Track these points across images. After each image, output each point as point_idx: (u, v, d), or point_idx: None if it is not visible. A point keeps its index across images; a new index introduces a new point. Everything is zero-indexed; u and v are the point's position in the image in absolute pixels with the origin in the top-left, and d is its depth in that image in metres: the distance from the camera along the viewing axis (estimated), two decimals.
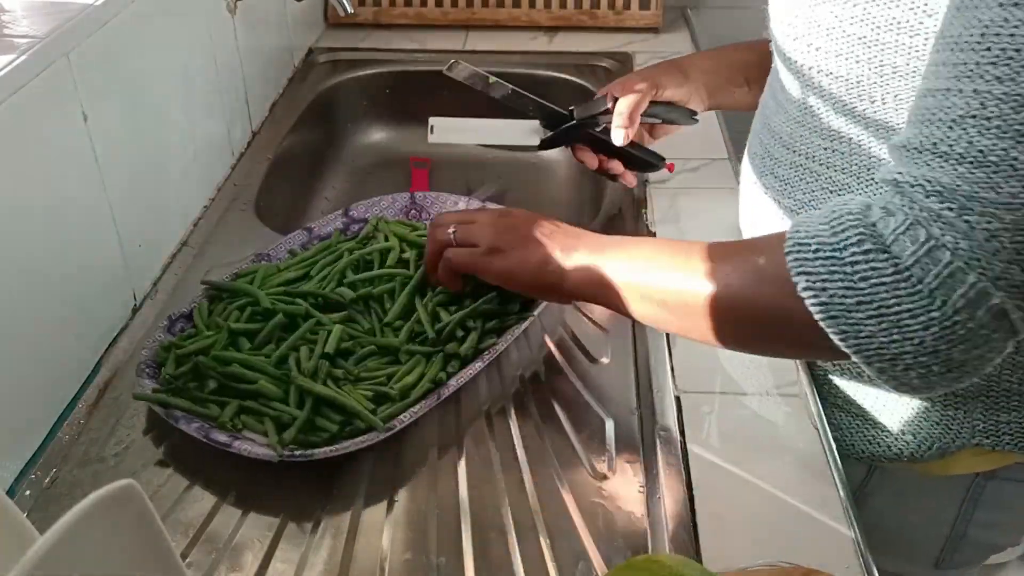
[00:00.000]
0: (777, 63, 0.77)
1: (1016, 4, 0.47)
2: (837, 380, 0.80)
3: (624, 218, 1.04)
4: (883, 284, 0.51)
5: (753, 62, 0.93)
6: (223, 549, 0.66)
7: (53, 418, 0.77)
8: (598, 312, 0.88)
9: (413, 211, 1.01)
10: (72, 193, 0.78)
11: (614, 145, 0.91)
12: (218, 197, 1.09)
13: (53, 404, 0.77)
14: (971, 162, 0.49)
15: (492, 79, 0.93)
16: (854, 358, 0.54)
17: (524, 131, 0.96)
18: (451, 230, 0.79)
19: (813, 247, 0.54)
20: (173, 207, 1.00)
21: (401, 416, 0.72)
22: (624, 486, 0.71)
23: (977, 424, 0.74)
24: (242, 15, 1.15)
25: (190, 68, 1.02)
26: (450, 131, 0.98)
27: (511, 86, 0.93)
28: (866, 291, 0.51)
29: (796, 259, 0.54)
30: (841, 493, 0.69)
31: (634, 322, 0.87)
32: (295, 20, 1.40)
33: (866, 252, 0.52)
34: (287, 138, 1.24)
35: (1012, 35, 0.47)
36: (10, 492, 0.70)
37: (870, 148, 0.68)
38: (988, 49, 0.48)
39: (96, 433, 0.76)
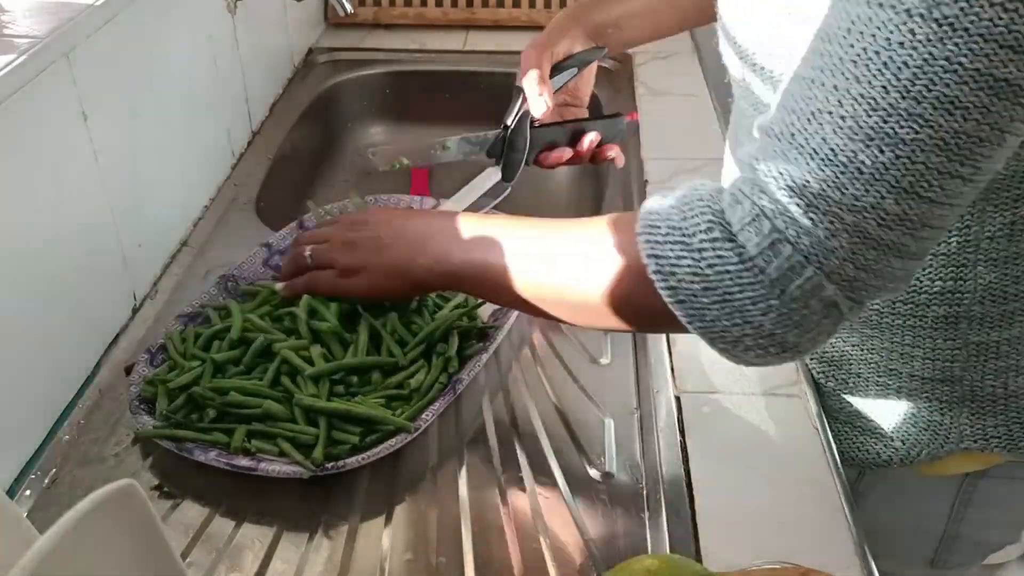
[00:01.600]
0: (742, 103, 0.75)
1: (881, 4, 0.46)
2: (825, 387, 0.80)
3: None
4: (728, 272, 0.52)
5: None
6: (223, 549, 0.66)
7: (53, 418, 0.77)
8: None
9: None
10: (72, 193, 0.78)
11: (569, 130, 0.91)
12: (218, 197, 1.09)
13: (53, 404, 0.77)
14: (822, 159, 0.49)
15: (438, 146, 0.92)
16: (699, 337, 0.56)
17: (486, 179, 0.93)
18: (307, 252, 0.78)
19: (663, 230, 0.55)
20: (173, 207, 1.00)
21: (424, 415, 0.72)
22: (624, 486, 0.71)
23: (964, 429, 0.74)
24: (242, 15, 1.15)
25: (190, 68, 1.02)
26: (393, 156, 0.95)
27: (447, 143, 0.92)
28: (712, 278, 0.53)
29: (647, 241, 0.55)
30: (840, 493, 0.69)
31: None
32: (295, 20, 1.40)
33: (714, 240, 0.53)
34: (287, 138, 1.24)
35: (874, 35, 0.46)
36: (10, 492, 0.70)
37: None
38: (852, 46, 0.48)
39: (96, 433, 0.76)
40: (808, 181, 0.50)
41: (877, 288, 0.52)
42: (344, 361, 0.75)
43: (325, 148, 1.38)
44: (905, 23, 0.45)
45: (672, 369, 0.80)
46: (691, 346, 0.83)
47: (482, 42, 1.49)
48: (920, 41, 0.45)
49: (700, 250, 0.53)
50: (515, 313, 0.83)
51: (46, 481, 0.72)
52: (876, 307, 0.71)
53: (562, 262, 0.63)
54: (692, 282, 0.53)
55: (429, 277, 0.72)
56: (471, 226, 0.70)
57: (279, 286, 0.80)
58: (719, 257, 0.52)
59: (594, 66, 0.93)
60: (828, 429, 0.74)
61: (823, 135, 0.49)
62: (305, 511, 0.69)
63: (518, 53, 0.89)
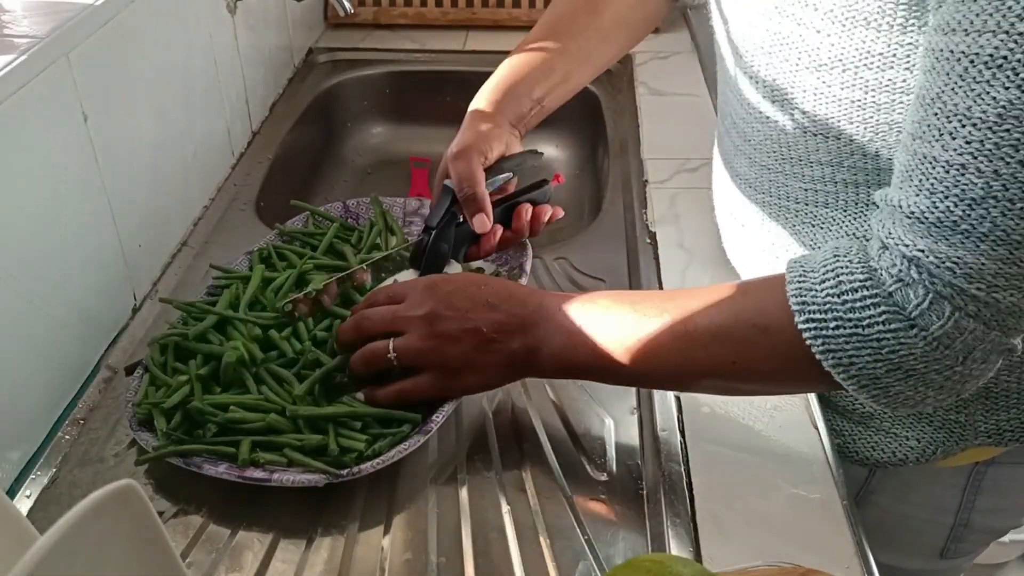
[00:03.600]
0: (739, 113, 0.75)
1: None
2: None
3: (624, 219, 1.04)
4: (913, 355, 0.54)
5: (553, 55, 0.88)
6: (223, 549, 0.66)
7: (53, 418, 0.77)
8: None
9: (350, 218, 0.99)
10: (72, 193, 0.78)
11: (499, 211, 0.85)
12: (218, 197, 1.09)
13: (53, 404, 0.77)
14: (994, 241, 0.51)
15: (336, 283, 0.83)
16: (883, 410, 0.59)
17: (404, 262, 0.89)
18: (391, 354, 0.69)
19: (832, 325, 0.56)
20: (173, 207, 1.00)
21: (435, 416, 0.71)
22: (624, 486, 0.71)
23: (979, 425, 0.74)
24: (242, 15, 1.15)
25: (190, 68, 1.02)
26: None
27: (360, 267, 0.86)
28: (895, 361, 0.55)
29: (816, 337, 0.56)
30: (841, 493, 0.69)
31: None
32: (295, 20, 1.40)
33: (895, 331, 0.54)
34: (287, 138, 1.24)
35: None
36: (10, 492, 0.70)
37: (858, 188, 0.68)
38: (1008, 131, 0.48)
39: (96, 433, 0.76)
40: (984, 264, 0.51)
41: None
42: (334, 363, 0.75)
43: (325, 148, 1.38)
44: None
45: None
46: None
47: (482, 42, 1.49)
48: None
49: (879, 340, 0.55)
50: None
51: (46, 481, 0.72)
52: None
53: (716, 350, 0.61)
54: (874, 368, 0.55)
55: (550, 371, 0.68)
56: (586, 308, 0.66)
57: (360, 395, 0.73)
58: (902, 344, 0.54)
59: (517, 146, 0.88)
60: (829, 433, 0.74)
61: (992, 220, 0.50)
62: (305, 511, 0.69)
63: None
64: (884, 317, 0.54)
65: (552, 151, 1.38)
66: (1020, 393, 0.73)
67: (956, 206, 0.51)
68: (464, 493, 0.71)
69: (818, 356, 0.56)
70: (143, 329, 0.87)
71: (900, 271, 0.54)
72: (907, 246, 0.54)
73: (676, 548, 0.65)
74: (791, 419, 0.75)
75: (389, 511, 0.70)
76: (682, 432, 0.74)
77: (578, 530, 0.67)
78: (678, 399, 0.77)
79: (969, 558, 0.90)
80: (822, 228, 0.72)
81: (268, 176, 1.14)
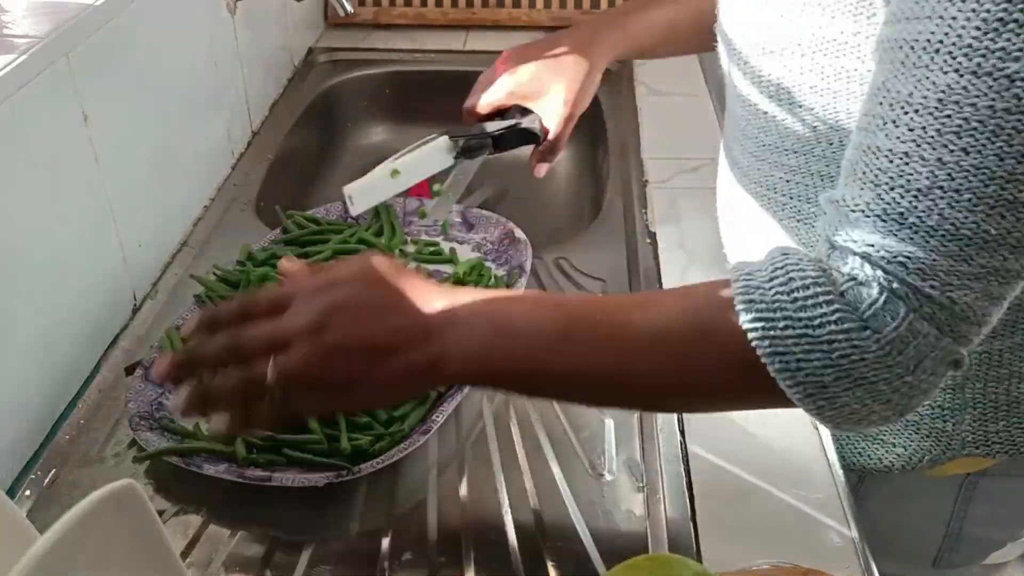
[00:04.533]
0: (732, 98, 0.76)
1: (974, 73, 0.45)
2: None
3: (624, 219, 1.04)
4: (864, 360, 0.50)
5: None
6: (223, 549, 0.66)
7: (53, 418, 0.77)
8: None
9: (349, 219, 1.00)
10: (72, 193, 0.78)
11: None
12: (218, 197, 1.09)
13: (53, 404, 0.77)
14: (943, 235, 0.48)
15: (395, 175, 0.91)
16: (822, 423, 0.54)
17: (438, 155, 0.92)
18: (270, 374, 0.53)
19: (781, 324, 0.51)
20: (173, 207, 1.00)
21: (434, 416, 0.72)
22: (624, 486, 0.71)
23: (967, 435, 0.73)
24: (242, 15, 1.15)
25: (190, 68, 1.02)
26: (369, 194, 0.92)
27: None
28: (845, 366, 0.50)
29: (763, 337, 0.51)
30: (840, 493, 0.69)
31: None
32: (295, 20, 1.40)
33: (847, 331, 0.50)
34: (287, 138, 1.24)
35: (974, 104, 0.46)
36: (10, 492, 0.70)
37: (832, 182, 0.67)
38: (949, 117, 0.47)
39: (96, 433, 0.76)
40: (936, 260, 0.48)
41: (983, 334, 0.52)
42: None
43: (325, 148, 1.38)
44: (1008, 89, 0.45)
45: None
46: None
47: (482, 42, 1.49)
48: None
49: (830, 342, 0.50)
50: None
51: (46, 481, 0.71)
52: None
53: (655, 354, 0.55)
54: (823, 374, 0.50)
55: (463, 378, 0.61)
56: (509, 307, 0.57)
57: (206, 427, 0.68)
58: (855, 347, 0.50)
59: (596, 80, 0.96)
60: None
61: (939, 211, 0.48)
62: (305, 511, 0.69)
63: None
64: (837, 316, 0.50)
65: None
66: (1009, 405, 0.72)
67: (902, 197, 0.49)
68: (464, 493, 0.71)
69: (764, 359, 0.51)
70: (143, 329, 0.87)
71: (852, 268, 0.50)
72: (855, 242, 0.50)
73: (676, 548, 0.65)
74: (791, 419, 0.75)
75: (389, 511, 0.70)
76: (682, 432, 0.74)
77: (578, 530, 0.67)
78: None
79: (966, 569, 0.89)
80: (807, 224, 0.71)
81: (268, 176, 1.14)
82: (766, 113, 0.69)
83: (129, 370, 0.78)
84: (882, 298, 0.49)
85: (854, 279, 0.50)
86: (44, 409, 0.76)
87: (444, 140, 0.92)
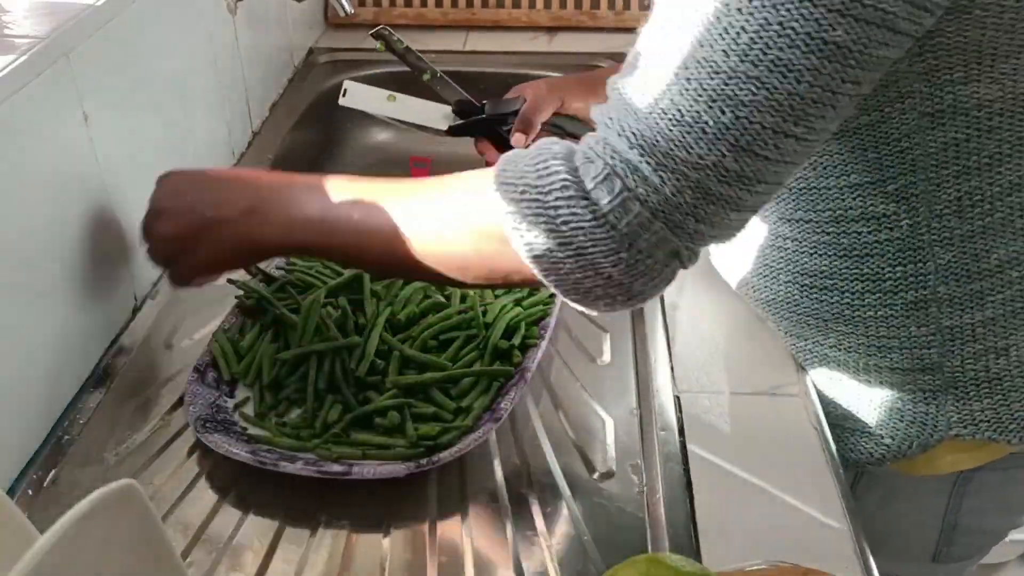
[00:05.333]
0: None
1: None
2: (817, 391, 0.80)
3: None
4: (582, 229, 0.54)
5: None
6: (223, 549, 0.66)
7: (53, 418, 0.77)
8: (598, 312, 0.88)
9: None
10: (72, 193, 0.78)
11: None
12: None
13: (53, 404, 0.77)
14: (670, 119, 0.52)
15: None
16: (553, 290, 0.58)
17: (436, 114, 0.98)
18: (144, 248, 0.76)
19: (520, 188, 0.56)
20: None
21: (503, 404, 0.74)
22: (624, 486, 0.71)
23: (952, 416, 0.73)
24: (242, 15, 1.15)
25: (190, 68, 1.02)
26: (364, 98, 0.98)
27: (437, 70, 0.99)
28: (566, 234, 0.55)
29: (504, 198, 0.57)
30: (840, 493, 0.69)
31: (633, 320, 0.87)
32: (295, 20, 1.40)
33: (569, 199, 0.54)
34: (287, 138, 1.24)
35: (714, 1, 0.50)
36: (10, 492, 0.70)
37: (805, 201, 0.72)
38: (696, 10, 0.50)
39: (96, 433, 0.76)
40: (657, 140, 0.52)
41: (714, 238, 0.56)
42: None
43: (325, 148, 1.38)
44: None
45: (672, 369, 0.80)
46: (691, 346, 0.83)
47: (482, 42, 1.49)
48: (756, 7, 0.49)
49: (555, 207, 0.55)
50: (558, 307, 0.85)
51: (46, 481, 0.72)
52: (846, 301, 0.72)
53: (424, 221, 0.64)
54: (548, 238, 0.56)
55: (277, 247, 0.72)
56: (315, 187, 0.69)
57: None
58: (573, 214, 0.54)
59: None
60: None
61: (671, 96, 0.52)
62: (306, 510, 0.69)
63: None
64: (562, 185, 0.55)
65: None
66: (990, 383, 0.72)
67: (644, 82, 0.53)
68: (464, 493, 0.71)
69: (501, 218, 0.57)
70: (144, 329, 0.87)
71: (591, 147, 0.55)
72: (600, 115, 0.56)
73: (676, 548, 0.65)
74: (791, 419, 0.75)
75: (389, 510, 0.70)
76: (682, 432, 0.74)
77: (578, 530, 0.67)
78: (678, 399, 0.77)
79: (968, 563, 0.89)
80: (789, 239, 0.75)
81: None
82: None
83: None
84: (603, 173, 0.54)
85: (587, 158, 0.55)
86: (44, 409, 0.76)
87: (447, 108, 0.98)
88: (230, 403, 0.77)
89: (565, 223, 0.55)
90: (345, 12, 1.19)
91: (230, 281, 0.85)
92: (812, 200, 0.70)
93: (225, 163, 1.13)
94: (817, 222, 0.71)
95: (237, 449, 0.69)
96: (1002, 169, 0.64)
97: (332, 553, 0.66)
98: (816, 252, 0.72)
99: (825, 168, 0.68)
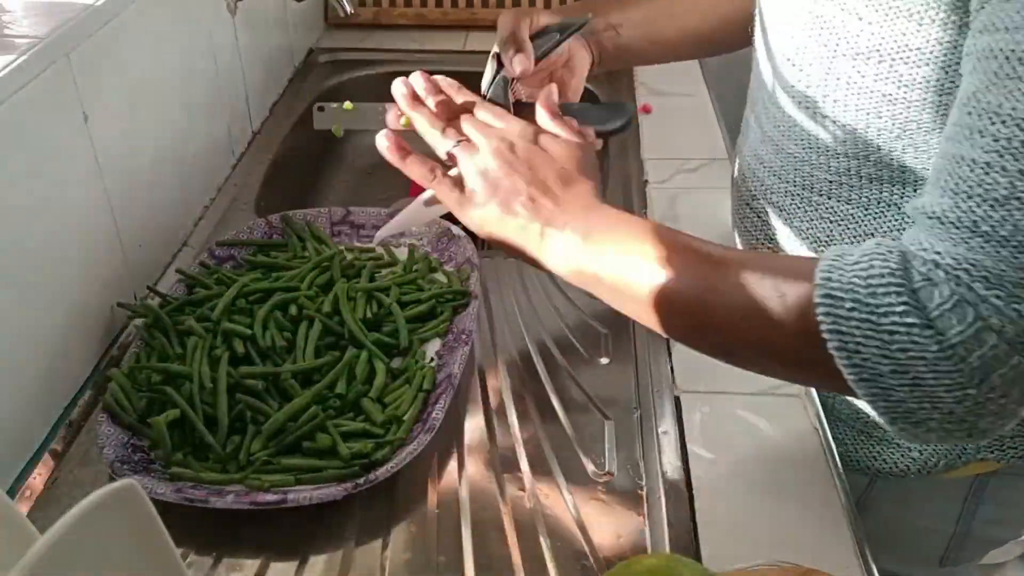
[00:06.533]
0: (768, 96, 0.75)
1: None
2: (838, 396, 0.79)
3: None
4: (923, 359, 0.49)
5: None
6: (223, 548, 0.66)
7: (53, 418, 0.77)
8: (598, 312, 0.88)
9: (344, 227, 1.00)
10: (72, 193, 0.78)
11: (561, 104, 0.78)
12: (219, 197, 1.09)
13: (53, 404, 0.77)
14: (1015, 246, 0.48)
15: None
16: (878, 417, 0.53)
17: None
18: (452, 143, 0.69)
19: (848, 305, 0.51)
20: (173, 207, 1.00)
21: (435, 415, 0.72)
22: (624, 486, 0.71)
23: (982, 441, 0.73)
24: (242, 15, 1.15)
25: (190, 68, 1.02)
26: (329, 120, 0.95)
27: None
28: (903, 361, 0.50)
29: (828, 314, 0.51)
30: (840, 493, 0.69)
31: (633, 321, 0.87)
32: (295, 20, 1.40)
33: (909, 325, 0.49)
34: (287, 138, 1.24)
35: None
36: (10, 492, 0.70)
37: (882, 186, 0.68)
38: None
39: (96, 433, 0.75)
40: (1004, 270, 0.48)
41: None
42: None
43: (325, 148, 1.38)
44: None
45: (672, 369, 0.80)
46: None
47: (482, 42, 1.49)
48: None
49: (891, 332, 0.50)
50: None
51: (46, 481, 0.71)
52: None
53: (731, 295, 0.56)
54: (879, 363, 0.50)
55: (562, 257, 0.64)
56: (611, 227, 0.63)
57: (385, 145, 0.71)
58: (914, 343, 0.49)
59: (585, 63, 0.86)
60: (828, 429, 0.74)
61: (1014, 222, 0.47)
62: (305, 510, 0.69)
63: None
64: (903, 309, 0.49)
65: None
66: None
67: (979, 206, 0.48)
68: (464, 493, 0.71)
69: (824, 335, 0.51)
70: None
71: (929, 270, 0.50)
72: (926, 249, 0.50)
73: (676, 548, 0.65)
74: (791, 419, 0.75)
75: (389, 510, 0.70)
76: (682, 432, 0.74)
77: (578, 530, 0.67)
78: (677, 399, 0.77)
79: (969, 565, 0.89)
80: (840, 224, 0.72)
81: (268, 176, 1.14)
82: (824, 118, 0.68)
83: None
84: (951, 300, 0.49)
85: (929, 280, 0.50)
86: (44, 409, 0.76)
87: None
88: (145, 442, 0.72)
89: (903, 350, 0.49)
90: (345, 12, 1.19)
91: (120, 304, 0.85)
92: (879, 193, 0.68)
93: (225, 163, 1.13)
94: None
95: (161, 489, 0.65)
96: None
97: (333, 552, 0.66)
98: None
99: None
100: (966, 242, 0.49)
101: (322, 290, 0.87)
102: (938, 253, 0.50)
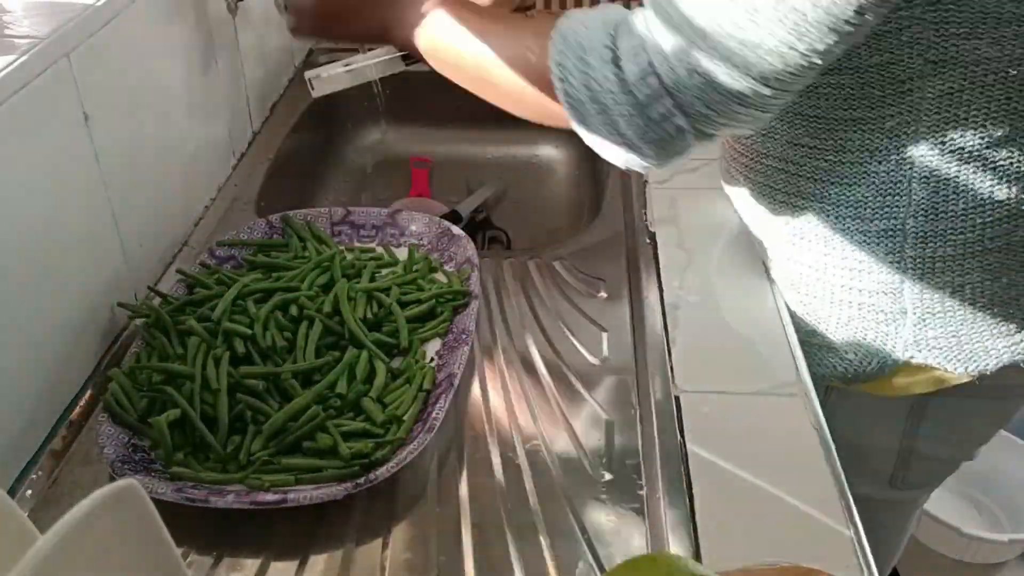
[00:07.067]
0: None
1: None
2: (792, 311, 0.87)
3: (624, 219, 1.04)
4: (610, 92, 0.63)
5: None
6: (223, 548, 0.66)
7: (53, 418, 0.77)
8: (598, 312, 0.88)
9: (344, 227, 1.00)
10: (72, 193, 0.79)
11: None
12: (219, 197, 1.09)
13: (54, 404, 0.77)
14: (691, 15, 0.60)
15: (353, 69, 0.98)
16: (579, 133, 0.68)
17: (387, 53, 1.00)
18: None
19: (571, 42, 0.65)
20: (174, 207, 1.00)
21: (435, 414, 0.73)
22: (624, 486, 0.71)
23: (908, 338, 0.80)
24: (242, 15, 1.15)
25: (190, 68, 1.02)
26: (331, 83, 0.99)
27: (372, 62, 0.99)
28: (596, 91, 0.64)
29: (556, 47, 0.66)
30: (840, 493, 0.69)
31: (632, 320, 0.87)
32: None
33: (604, 62, 0.64)
34: (288, 138, 1.24)
35: None
36: (10, 492, 0.70)
37: (846, 157, 0.76)
38: None
39: (97, 433, 0.75)
40: (675, 41, 0.60)
41: (723, 125, 0.63)
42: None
43: (326, 148, 1.38)
44: None
45: (672, 369, 0.80)
46: (691, 346, 0.83)
47: None
48: None
49: (592, 66, 0.64)
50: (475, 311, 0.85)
51: (46, 481, 0.72)
52: (830, 222, 0.79)
53: (501, 49, 0.73)
54: (580, 91, 0.65)
55: (399, 40, 0.84)
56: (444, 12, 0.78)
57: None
58: (605, 77, 0.64)
59: None
60: (828, 429, 0.74)
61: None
62: (305, 510, 0.69)
63: None
64: (603, 48, 0.64)
65: (552, 151, 1.38)
66: (944, 314, 0.78)
67: None
68: (464, 493, 0.71)
69: (549, 63, 0.66)
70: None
71: (635, 20, 0.63)
72: (636, 14, 0.64)
73: (676, 548, 0.65)
74: (791, 419, 0.75)
75: (389, 510, 0.70)
76: (682, 432, 0.74)
77: (578, 530, 0.67)
78: (677, 399, 0.77)
79: (920, 491, 1.00)
80: (808, 199, 0.80)
81: (269, 176, 1.14)
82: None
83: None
84: (636, 47, 0.62)
85: (629, 27, 0.64)
86: (44, 409, 0.76)
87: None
88: (146, 442, 0.72)
89: (596, 82, 0.64)
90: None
91: (120, 304, 0.85)
92: (819, 128, 0.76)
93: (225, 163, 1.14)
94: (820, 149, 0.77)
95: (162, 488, 0.65)
96: (987, 124, 0.70)
97: (333, 552, 0.66)
98: (813, 177, 0.78)
99: (835, 100, 0.73)
100: (667, 9, 0.61)
101: (322, 290, 0.87)
102: (643, 18, 0.63)
